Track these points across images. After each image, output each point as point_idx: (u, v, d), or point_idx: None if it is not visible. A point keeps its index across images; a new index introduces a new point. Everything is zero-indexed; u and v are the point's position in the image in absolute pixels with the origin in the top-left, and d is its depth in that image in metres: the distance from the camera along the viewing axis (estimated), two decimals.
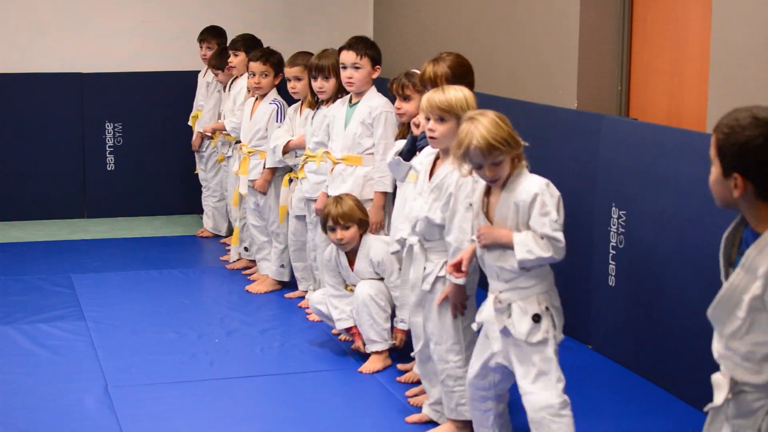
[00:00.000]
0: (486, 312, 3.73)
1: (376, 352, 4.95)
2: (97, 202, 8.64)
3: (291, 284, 6.39)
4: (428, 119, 4.01)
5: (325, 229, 5.11)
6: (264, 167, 6.26)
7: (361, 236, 5.04)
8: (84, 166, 8.58)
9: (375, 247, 5.00)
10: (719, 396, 2.70)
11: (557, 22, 6.10)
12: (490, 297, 3.70)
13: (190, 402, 4.62)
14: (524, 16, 6.46)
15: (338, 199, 5.09)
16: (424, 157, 4.22)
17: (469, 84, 4.33)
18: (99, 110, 8.54)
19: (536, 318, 3.59)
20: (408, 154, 4.50)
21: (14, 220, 8.40)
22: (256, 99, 6.48)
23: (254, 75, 6.39)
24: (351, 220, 5.00)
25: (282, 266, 6.34)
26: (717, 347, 2.72)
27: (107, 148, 8.61)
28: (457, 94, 3.98)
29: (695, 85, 5.32)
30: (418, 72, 4.62)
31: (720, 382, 2.72)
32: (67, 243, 7.73)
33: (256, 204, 6.44)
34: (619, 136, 5.05)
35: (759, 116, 2.59)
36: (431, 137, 4.00)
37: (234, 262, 6.98)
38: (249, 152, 6.36)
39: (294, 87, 6.10)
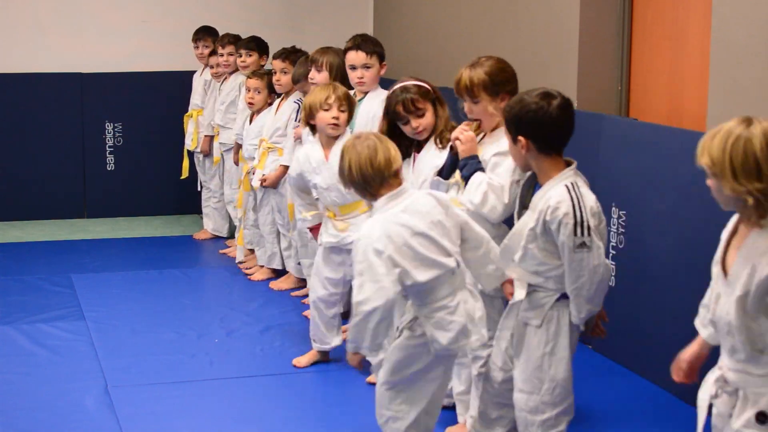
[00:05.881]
0: (704, 389, 2.96)
1: None
2: (97, 202, 8.65)
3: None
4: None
5: None
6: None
7: None
8: (84, 166, 8.59)
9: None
10: (521, 292, 3.50)
11: (557, 22, 6.10)
12: (715, 372, 2.93)
13: (190, 402, 4.63)
14: (524, 16, 6.46)
15: None
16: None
17: (512, 92, 3.92)
18: (99, 110, 8.54)
19: (762, 418, 2.77)
20: (449, 173, 4.06)
21: (14, 220, 8.40)
22: (282, 97, 6.48)
23: (275, 72, 6.45)
24: (349, 104, 5.00)
25: (299, 263, 6.37)
26: (514, 270, 3.53)
27: (107, 148, 8.61)
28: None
29: (695, 85, 5.32)
30: (411, 83, 4.38)
31: (519, 285, 3.53)
32: (67, 243, 7.73)
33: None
34: (619, 136, 5.06)
35: (535, 93, 3.41)
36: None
37: (245, 263, 6.98)
38: (268, 148, 6.36)
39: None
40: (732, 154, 2.70)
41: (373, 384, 4.78)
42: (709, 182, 2.81)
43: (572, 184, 3.37)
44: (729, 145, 2.71)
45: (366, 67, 5.36)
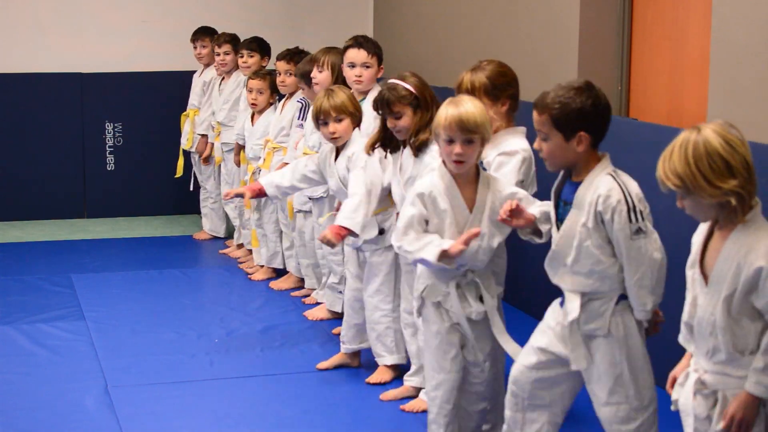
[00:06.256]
0: (684, 395, 2.99)
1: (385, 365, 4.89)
2: (97, 202, 8.64)
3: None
4: (451, 141, 3.65)
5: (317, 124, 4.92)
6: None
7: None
8: (84, 166, 8.58)
9: (355, 143, 4.86)
10: (575, 305, 3.31)
11: (557, 22, 6.10)
12: (694, 375, 2.95)
13: (190, 402, 4.62)
14: (524, 16, 6.46)
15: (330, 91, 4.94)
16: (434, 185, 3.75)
17: (512, 97, 4.06)
18: (99, 110, 8.54)
19: None
20: None
21: (14, 220, 8.40)
22: (286, 97, 6.48)
23: (280, 74, 6.44)
24: (344, 113, 4.83)
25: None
26: (564, 278, 3.34)
27: (107, 148, 8.61)
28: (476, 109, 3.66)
29: (695, 85, 5.32)
30: (400, 83, 4.36)
31: (570, 298, 3.33)
32: (67, 243, 7.73)
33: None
34: (619, 136, 5.05)
35: (576, 86, 3.28)
36: (460, 162, 3.66)
37: (245, 263, 6.97)
38: (274, 148, 6.34)
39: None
40: (697, 161, 2.72)
41: (375, 384, 4.78)
42: (681, 203, 2.79)
43: (614, 172, 3.32)
44: (690, 155, 2.73)
45: (366, 66, 5.37)
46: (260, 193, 5.07)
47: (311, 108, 5.05)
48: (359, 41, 5.42)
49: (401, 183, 4.37)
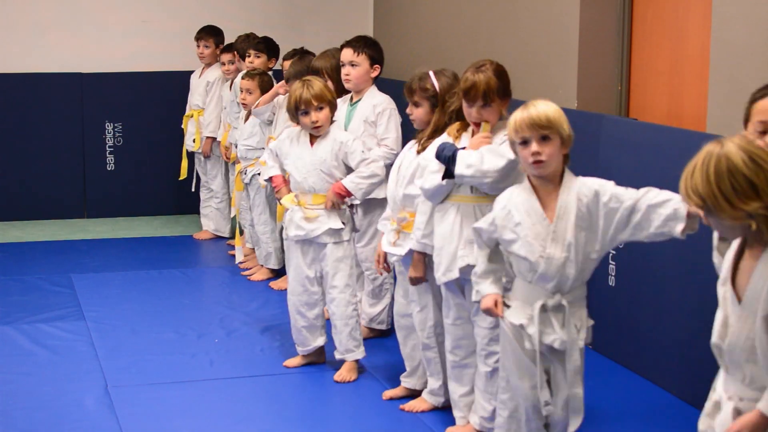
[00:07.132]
0: (720, 421, 2.68)
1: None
2: (97, 202, 8.65)
3: None
4: (526, 142, 3.40)
5: (296, 117, 4.87)
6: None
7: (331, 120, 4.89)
8: (84, 166, 8.59)
9: (336, 130, 4.89)
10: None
11: (557, 22, 6.10)
12: (729, 404, 2.65)
13: (190, 402, 4.63)
14: (524, 16, 6.46)
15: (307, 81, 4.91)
16: (514, 195, 3.50)
17: (510, 95, 4.07)
18: (99, 110, 8.55)
19: None
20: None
21: (14, 220, 8.40)
22: None
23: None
24: (323, 101, 4.81)
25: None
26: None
27: (107, 148, 8.61)
28: (551, 107, 3.43)
29: (695, 85, 5.32)
30: (432, 77, 4.38)
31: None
32: (67, 243, 7.73)
33: None
34: (619, 136, 5.06)
35: None
36: (539, 161, 3.38)
37: (245, 263, 6.99)
38: None
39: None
40: (718, 181, 2.49)
41: (391, 399, 4.71)
42: (706, 220, 2.61)
43: None
44: (712, 173, 2.50)
45: (352, 64, 5.37)
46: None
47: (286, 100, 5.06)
48: (350, 40, 5.46)
49: (400, 182, 4.41)
